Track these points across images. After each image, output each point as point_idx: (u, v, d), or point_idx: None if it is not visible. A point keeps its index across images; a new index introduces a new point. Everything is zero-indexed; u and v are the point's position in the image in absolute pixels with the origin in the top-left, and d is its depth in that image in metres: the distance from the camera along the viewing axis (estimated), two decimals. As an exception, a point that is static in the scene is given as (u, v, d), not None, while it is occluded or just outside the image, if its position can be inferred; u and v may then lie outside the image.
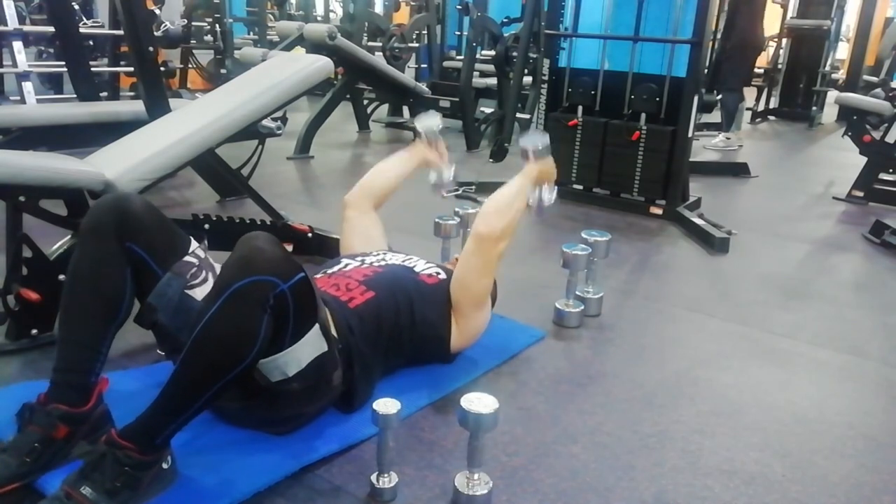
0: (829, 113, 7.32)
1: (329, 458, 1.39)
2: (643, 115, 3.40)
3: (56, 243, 1.84)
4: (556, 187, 1.93)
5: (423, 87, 5.36)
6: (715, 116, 5.79)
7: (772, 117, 7.53)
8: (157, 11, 5.45)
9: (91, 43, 5.06)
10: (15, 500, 1.20)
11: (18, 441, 1.24)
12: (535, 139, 1.88)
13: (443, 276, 1.77)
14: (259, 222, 2.40)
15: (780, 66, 7.50)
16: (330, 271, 1.72)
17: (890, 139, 3.93)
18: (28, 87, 3.89)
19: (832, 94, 6.35)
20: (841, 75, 7.88)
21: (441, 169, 2.06)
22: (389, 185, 2.08)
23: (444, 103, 5.07)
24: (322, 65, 2.26)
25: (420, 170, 2.11)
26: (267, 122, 2.69)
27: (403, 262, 1.79)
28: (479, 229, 1.68)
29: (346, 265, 1.75)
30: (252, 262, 1.18)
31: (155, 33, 4.07)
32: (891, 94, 4.69)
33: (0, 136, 2.93)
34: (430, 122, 2.06)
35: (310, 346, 1.30)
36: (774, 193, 4.20)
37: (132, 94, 4.69)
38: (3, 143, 2.89)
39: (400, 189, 2.10)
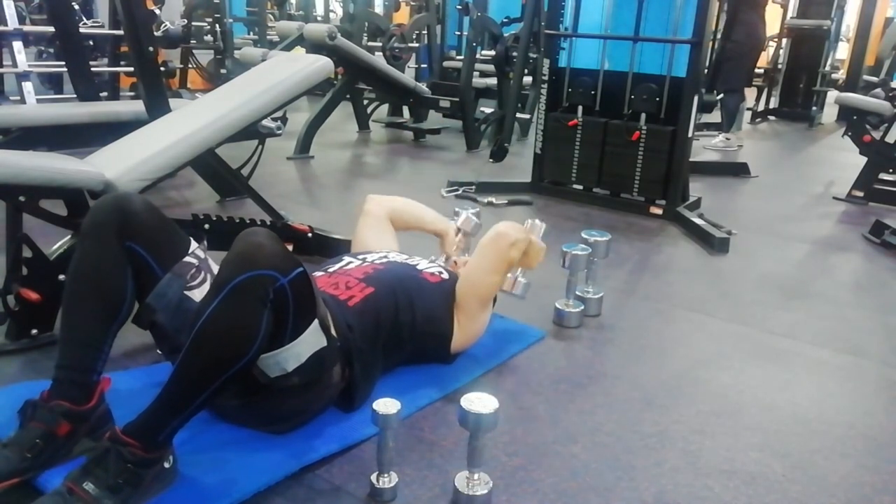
0: (829, 113, 7.31)
1: (329, 458, 1.39)
2: (643, 115, 3.40)
3: (56, 243, 1.84)
4: (529, 282, 1.87)
5: (423, 87, 5.36)
6: (715, 116, 5.78)
7: (772, 117, 7.52)
8: (157, 11, 5.45)
9: (91, 43, 5.06)
10: (16, 496, 1.20)
11: (20, 437, 1.24)
12: (538, 226, 1.94)
13: (445, 275, 1.78)
14: (259, 222, 2.40)
15: (780, 66, 7.50)
16: (331, 269, 1.73)
17: (890, 139, 3.93)
18: (28, 87, 3.89)
19: (832, 94, 6.35)
20: (841, 75, 7.87)
21: (444, 257, 2.03)
22: (408, 224, 2.09)
23: (444, 103, 5.08)
24: (322, 65, 2.26)
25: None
26: (267, 122, 2.69)
27: (406, 260, 1.80)
28: (499, 227, 1.72)
29: (348, 263, 1.75)
30: (251, 258, 1.18)
31: (155, 33, 4.07)
32: (891, 94, 4.68)
33: (0, 136, 2.93)
34: (474, 220, 2.05)
35: (309, 341, 1.30)
36: (774, 193, 4.20)
37: (132, 94, 4.69)
38: (3, 143, 2.89)
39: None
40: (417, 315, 1.65)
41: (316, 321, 1.31)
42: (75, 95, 3.53)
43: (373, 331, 1.55)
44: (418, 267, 1.77)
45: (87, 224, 1.37)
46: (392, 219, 2.07)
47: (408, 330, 1.64)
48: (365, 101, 5.67)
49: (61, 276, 1.72)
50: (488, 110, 5.35)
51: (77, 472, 1.14)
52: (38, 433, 1.24)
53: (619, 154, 3.48)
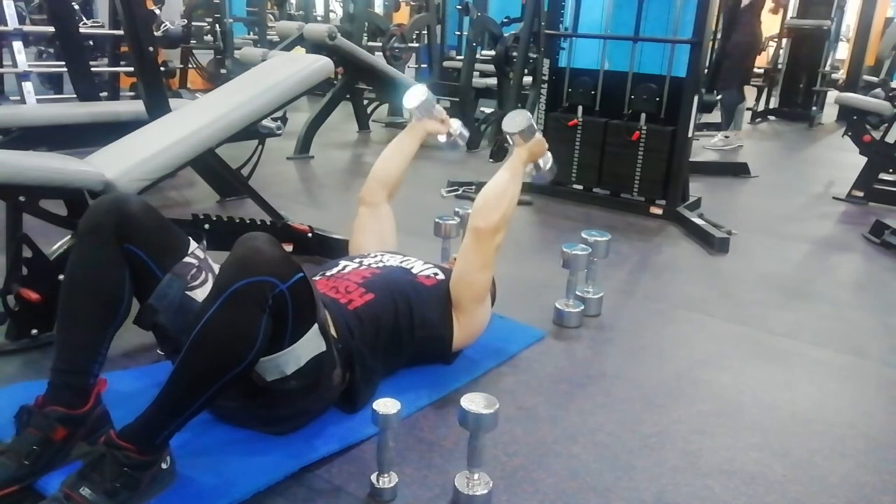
0: (829, 113, 7.31)
1: (329, 458, 1.39)
2: (643, 115, 3.40)
3: (56, 243, 1.84)
4: (549, 155, 1.89)
5: (422, 87, 5.36)
6: (715, 116, 5.79)
7: (772, 117, 7.52)
8: (157, 11, 5.45)
9: (91, 43, 5.06)
10: (14, 501, 1.20)
11: (17, 444, 1.23)
12: (517, 121, 1.78)
13: (441, 276, 1.77)
14: (259, 222, 2.40)
15: (780, 66, 7.50)
16: (329, 274, 1.72)
17: (890, 139, 3.92)
18: (28, 87, 3.89)
19: (832, 94, 6.35)
20: (841, 75, 7.88)
21: (447, 130, 2.03)
22: (398, 169, 2.05)
23: (445, 103, 5.07)
24: (322, 65, 2.26)
25: (427, 142, 2.09)
26: (267, 122, 2.69)
27: (401, 263, 1.79)
28: (476, 224, 1.68)
29: (344, 267, 1.75)
30: (251, 263, 1.18)
31: (155, 33, 4.07)
32: (891, 94, 4.69)
33: (0, 136, 2.94)
34: (416, 96, 2.00)
35: (308, 346, 1.30)
36: (774, 193, 4.20)
37: (132, 94, 4.70)
38: (3, 143, 2.89)
39: (408, 170, 2.07)
40: (416, 319, 1.64)
41: (316, 325, 1.30)
42: (75, 95, 3.53)
43: (373, 336, 1.55)
44: (413, 270, 1.76)
45: (84, 226, 1.36)
46: (388, 186, 2.02)
47: (407, 334, 1.64)
48: (365, 101, 5.67)
49: (61, 276, 1.71)
50: (488, 110, 5.35)
51: (73, 478, 1.14)
52: (34, 440, 1.23)
53: (619, 154, 3.48)
